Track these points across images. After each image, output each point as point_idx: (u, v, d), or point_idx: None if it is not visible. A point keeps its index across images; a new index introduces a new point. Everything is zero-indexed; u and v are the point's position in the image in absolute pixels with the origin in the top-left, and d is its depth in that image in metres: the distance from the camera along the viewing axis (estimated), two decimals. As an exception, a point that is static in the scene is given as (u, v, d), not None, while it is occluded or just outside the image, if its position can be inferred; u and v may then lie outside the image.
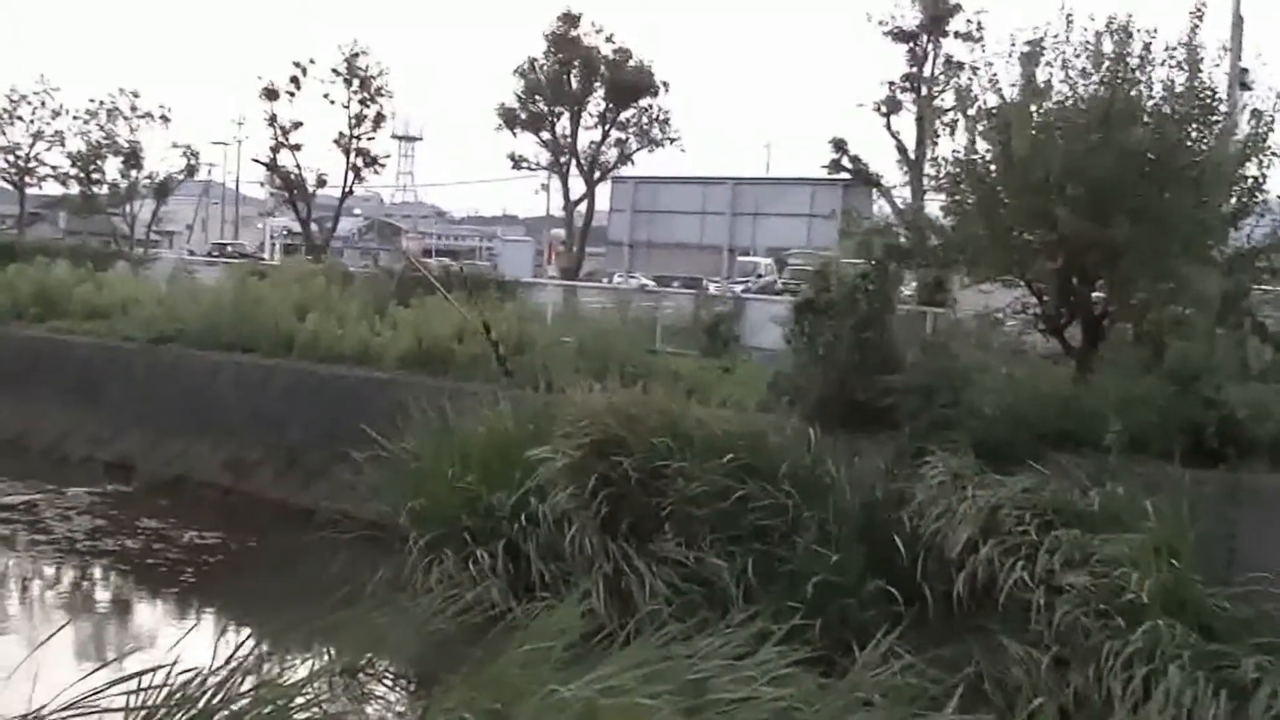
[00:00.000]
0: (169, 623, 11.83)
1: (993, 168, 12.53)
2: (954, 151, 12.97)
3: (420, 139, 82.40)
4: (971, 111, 12.80)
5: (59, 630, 7.36)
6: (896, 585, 10.41)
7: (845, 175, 24.78)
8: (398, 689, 9.37)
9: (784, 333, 14.81)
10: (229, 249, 55.41)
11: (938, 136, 12.92)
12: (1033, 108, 12.24)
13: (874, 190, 24.30)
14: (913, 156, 23.87)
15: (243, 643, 10.84)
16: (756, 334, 20.88)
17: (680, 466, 11.52)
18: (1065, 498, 10.44)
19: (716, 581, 10.91)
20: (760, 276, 33.50)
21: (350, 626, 9.27)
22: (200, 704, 6.84)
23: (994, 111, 12.54)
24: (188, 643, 11.15)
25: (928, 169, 13.66)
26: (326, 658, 9.20)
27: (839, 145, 24.50)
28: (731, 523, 11.28)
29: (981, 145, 12.56)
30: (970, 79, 12.93)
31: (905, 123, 25.30)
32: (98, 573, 13.07)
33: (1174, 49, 12.16)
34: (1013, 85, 12.53)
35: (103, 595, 12.65)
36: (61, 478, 17.42)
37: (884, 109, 25.07)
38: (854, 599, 10.37)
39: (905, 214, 15.92)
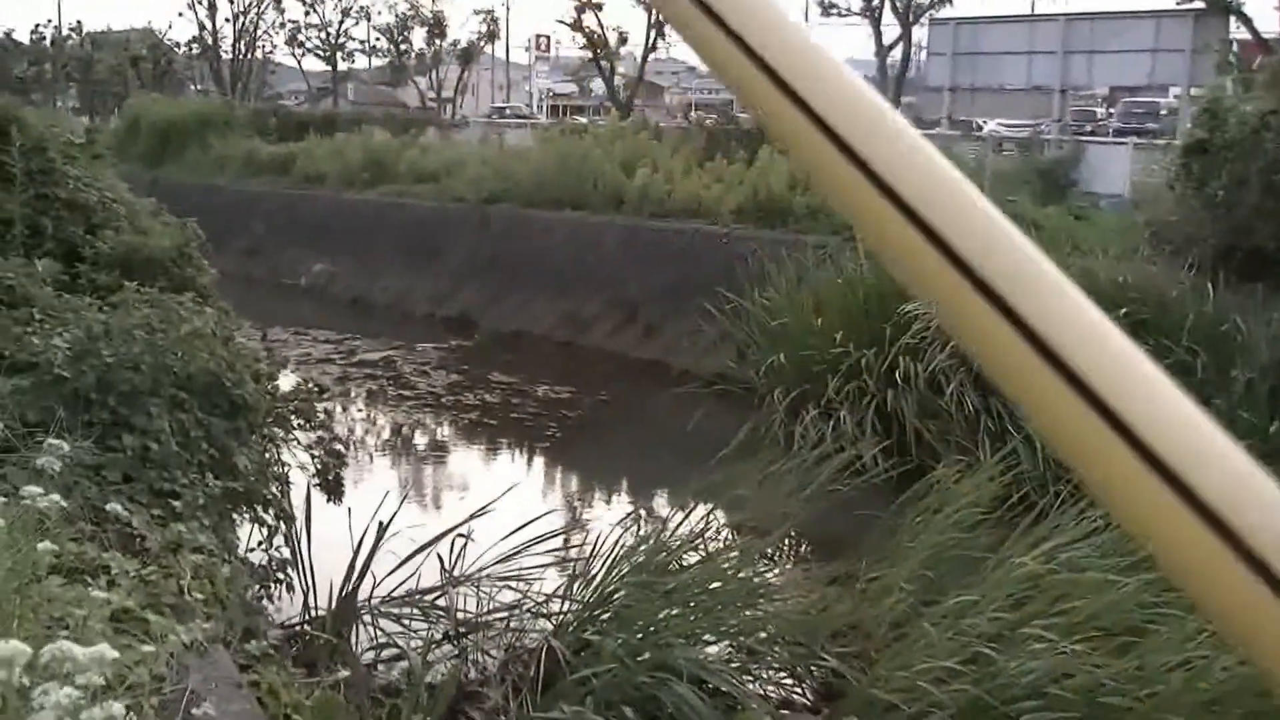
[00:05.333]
0: (551, 479, 12.05)
1: None
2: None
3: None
4: None
5: (487, 507, 7.35)
6: (1335, 454, 9.31)
7: (1197, 5, 22.21)
8: (801, 551, 9.11)
9: (1165, 177, 13.50)
10: (507, 111, 56.54)
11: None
12: None
13: (1231, 20, 21.67)
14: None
15: (641, 502, 11.13)
16: (1098, 178, 19.38)
17: (1070, 322, 10.71)
18: None
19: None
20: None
21: (731, 484, 9.04)
22: (651, 567, 6.76)
23: None
24: (576, 499, 11.55)
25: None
26: (720, 516, 8.98)
27: (1189, -31, 21.92)
28: (1126, 382, 10.42)
29: None
30: None
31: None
32: (471, 428, 13.42)
33: None
34: None
35: (485, 452, 12.97)
36: (408, 334, 18.14)
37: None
38: (1283, 468, 9.35)
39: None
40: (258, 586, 5.29)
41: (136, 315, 4.77)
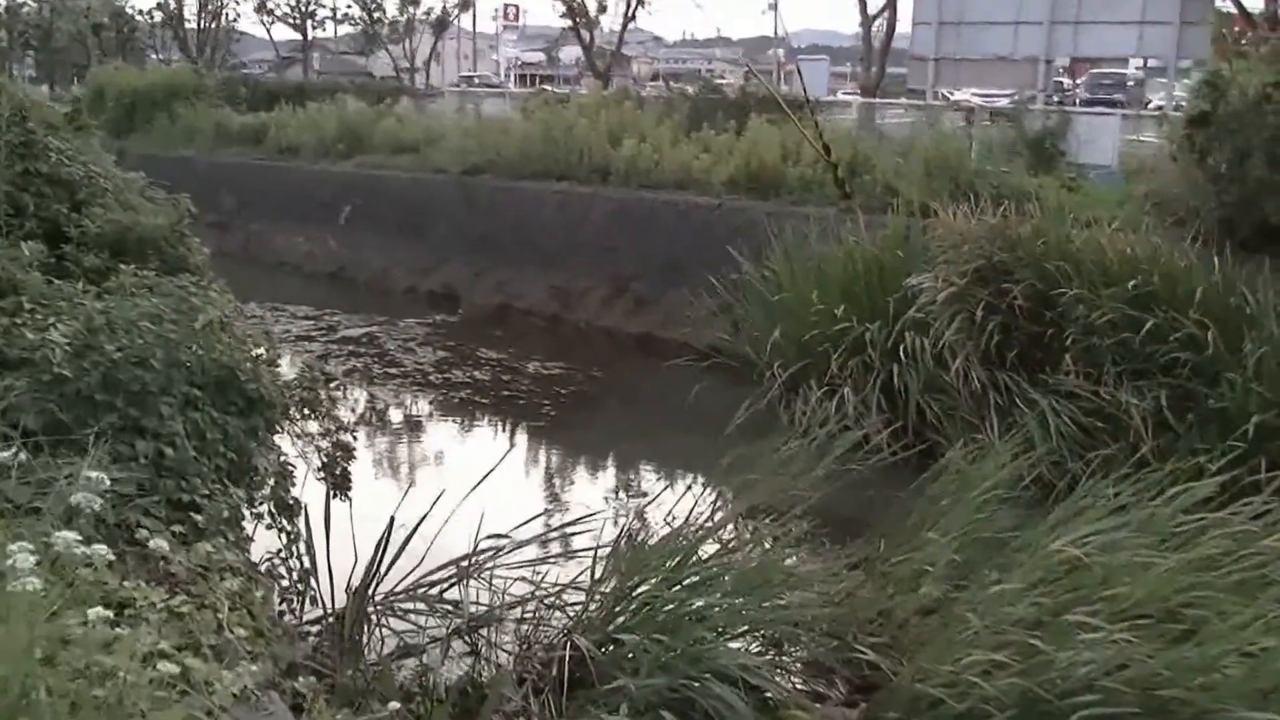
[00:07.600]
0: (550, 461, 11.69)
1: None
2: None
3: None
4: None
5: (485, 477, 7.05)
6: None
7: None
8: (816, 535, 8.81)
9: (1164, 149, 13.28)
10: (475, 80, 56.15)
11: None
12: None
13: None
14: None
15: (647, 486, 10.80)
16: (1085, 149, 19.15)
17: (1078, 294, 10.47)
18: None
19: (1123, 419, 9.87)
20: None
21: (741, 466, 8.73)
22: (674, 561, 6.45)
23: None
24: (578, 483, 11.19)
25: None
26: (728, 498, 8.67)
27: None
28: (1135, 355, 10.20)
29: None
30: None
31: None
32: (463, 407, 13.02)
33: None
34: None
35: (479, 432, 12.54)
36: (391, 309, 17.71)
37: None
38: (1298, 442, 9.12)
39: None
40: (279, 600, 4.95)
41: (143, 304, 4.38)
